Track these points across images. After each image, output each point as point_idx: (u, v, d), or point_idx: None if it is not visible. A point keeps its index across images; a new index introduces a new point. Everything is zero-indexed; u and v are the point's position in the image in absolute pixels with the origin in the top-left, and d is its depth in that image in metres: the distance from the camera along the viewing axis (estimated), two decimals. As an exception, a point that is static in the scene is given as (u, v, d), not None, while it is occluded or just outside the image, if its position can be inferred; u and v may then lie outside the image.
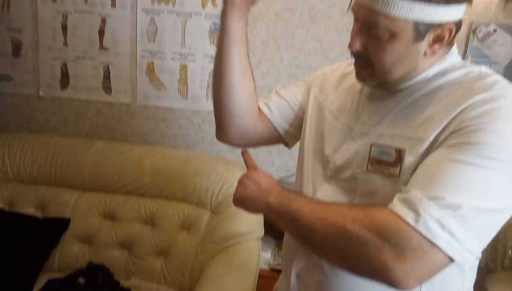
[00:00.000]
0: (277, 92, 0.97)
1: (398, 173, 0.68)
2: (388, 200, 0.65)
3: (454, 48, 0.74)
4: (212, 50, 1.86)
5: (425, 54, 0.69)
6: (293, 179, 1.97)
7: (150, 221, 1.63)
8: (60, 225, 1.63)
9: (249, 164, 0.86)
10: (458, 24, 0.68)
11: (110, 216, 1.66)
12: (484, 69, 0.71)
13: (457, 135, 0.63)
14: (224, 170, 1.65)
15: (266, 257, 1.71)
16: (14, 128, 2.01)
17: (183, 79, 1.90)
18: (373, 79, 0.74)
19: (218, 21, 1.81)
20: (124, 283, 1.53)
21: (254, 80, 0.92)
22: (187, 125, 1.97)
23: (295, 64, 1.88)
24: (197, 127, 1.97)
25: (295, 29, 1.84)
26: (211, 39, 1.85)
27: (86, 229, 1.64)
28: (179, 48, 1.86)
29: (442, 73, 0.72)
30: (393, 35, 0.66)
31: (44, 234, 1.60)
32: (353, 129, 0.79)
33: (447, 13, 0.65)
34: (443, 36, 0.67)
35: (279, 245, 1.78)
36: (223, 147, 1.96)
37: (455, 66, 0.72)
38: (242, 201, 0.80)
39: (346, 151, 0.78)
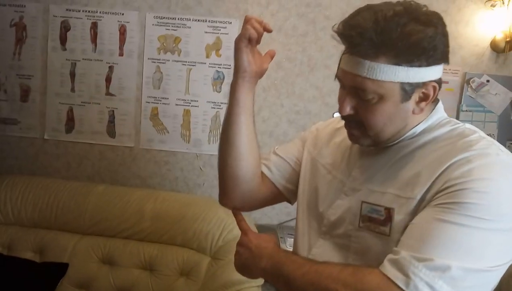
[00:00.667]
0: (275, 152, 1.00)
1: (388, 232, 0.69)
2: (381, 258, 0.66)
3: (440, 106, 0.78)
4: (215, 97, 1.92)
5: (413, 112, 0.73)
6: (293, 223, 1.96)
7: (149, 267, 1.61)
8: (58, 270, 1.61)
9: (241, 227, 0.88)
10: (439, 82, 0.72)
11: (109, 261, 1.65)
12: (468, 126, 0.75)
13: (442, 195, 0.64)
14: (225, 214, 1.66)
15: (266, 305, 1.67)
16: (17, 170, 2.03)
17: (186, 124, 1.94)
18: (366, 139, 0.76)
19: (221, 69, 1.90)
20: (120, 332, 1.49)
21: (259, 147, 0.95)
22: (188, 168, 2.00)
23: (295, 111, 1.94)
24: (199, 170, 1.99)
25: (295, 78, 1.92)
26: (214, 87, 1.91)
27: (84, 274, 1.62)
28: (183, 94, 1.92)
29: (429, 130, 0.75)
30: (381, 98, 0.69)
31: (42, 279, 1.57)
32: (346, 184, 0.81)
33: (429, 73, 0.69)
34: (428, 94, 0.71)
35: (279, 293, 1.75)
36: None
37: (441, 123, 0.76)
38: (241, 269, 0.84)
39: (339, 207, 0.80)
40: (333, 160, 0.88)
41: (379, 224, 0.71)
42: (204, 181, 2.00)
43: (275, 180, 0.96)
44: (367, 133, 0.74)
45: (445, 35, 0.70)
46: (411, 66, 0.67)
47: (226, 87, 1.90)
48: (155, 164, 2.00)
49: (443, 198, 0.64)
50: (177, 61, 1.91)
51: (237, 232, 1.66)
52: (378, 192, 0.73)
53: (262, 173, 0.96)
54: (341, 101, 0.74)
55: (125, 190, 1.79)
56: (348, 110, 0.73)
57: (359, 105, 0.72)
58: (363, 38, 0.66)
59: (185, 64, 1.91)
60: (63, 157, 2.03)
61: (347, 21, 0.69)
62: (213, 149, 1.94)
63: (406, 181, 0.70)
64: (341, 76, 0.74)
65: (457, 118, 1.81)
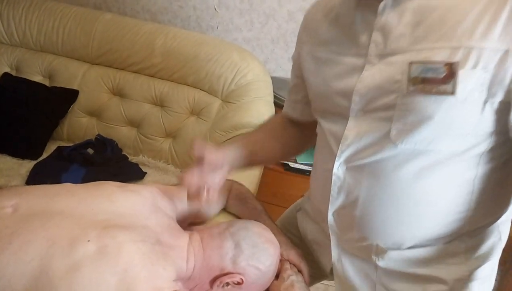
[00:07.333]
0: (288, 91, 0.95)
1: (451, 89, 0.58)
2: (439, 123, 0.59)
3: None
4: None
5: None
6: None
7: (160, 103, 1.60)
8: (68, 95, 1.60)
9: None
10: None
11: (119, 93, 1.63)
12: None
13: None
14: (239, 59, 1.58)
15: (272, 150, 1.72)
16: (17, -10, 1.87)
17: (202, -47, 1.72)
18: None
19: None
20: (132, 159, 1.56)
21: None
22: (202, 7, 1.84)
23: (302, 67, 1.80)
24: (213, 11, 1.84)
25: (307, 32, 1.71)
26: None
27: (94, 102, 1.62)
28: None
29: None
30: None
31: (53, 103, 1.58)
32: (367, 54, 0.67)
33: None
34: None
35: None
36: (238, 36, 1.85)
37: None
38: None
39: (369, 78, 0.66)
40: (336, 37, 0.73)
41: (437, 83, 0.59)
42: (218, 24, 1.86)
43: (303, 116, 0.92)
44: None
45: None
46: None
47: None
48: (166, -2, 1.84)
49: None
50: None
51: (250, 77, 1.61)
52: (425, 49, 0.60)
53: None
54: None
55: (134, 22, 1.67)
56: None
57: None
58: None
59: None
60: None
61: None
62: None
63: (462, 28, 0.57)
64: None
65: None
